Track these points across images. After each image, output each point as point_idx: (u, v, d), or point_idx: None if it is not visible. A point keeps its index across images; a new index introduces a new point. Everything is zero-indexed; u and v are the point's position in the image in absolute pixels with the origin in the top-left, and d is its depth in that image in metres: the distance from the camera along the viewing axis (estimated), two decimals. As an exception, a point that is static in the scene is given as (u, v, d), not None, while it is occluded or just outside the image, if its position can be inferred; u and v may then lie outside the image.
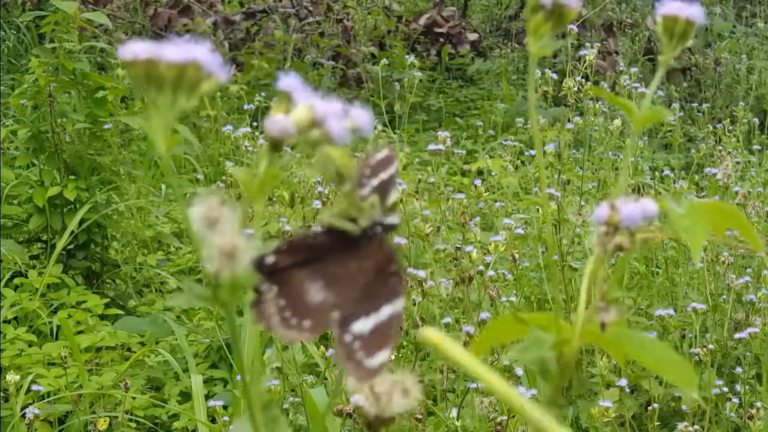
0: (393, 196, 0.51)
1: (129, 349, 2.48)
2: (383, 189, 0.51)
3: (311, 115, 0.46)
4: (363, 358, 0.47)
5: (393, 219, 0.50)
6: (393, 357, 1.74)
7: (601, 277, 0.51)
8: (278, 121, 0.46)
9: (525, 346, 0.52)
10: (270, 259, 0.48)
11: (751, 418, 1.77)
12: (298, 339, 0.47)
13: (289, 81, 0.47)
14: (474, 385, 1.75)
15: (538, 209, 2.17)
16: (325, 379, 1.76)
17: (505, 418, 1.63)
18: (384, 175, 0.51)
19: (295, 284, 0.48)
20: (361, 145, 2.56)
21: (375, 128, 3.12)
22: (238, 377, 1.80)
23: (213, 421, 1.88)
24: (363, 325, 0.47)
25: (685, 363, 0.52)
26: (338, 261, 0.49)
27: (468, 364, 0.43)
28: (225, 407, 1.81)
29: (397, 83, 4.42)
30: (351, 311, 0.48)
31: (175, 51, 0.45)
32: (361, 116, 0.47)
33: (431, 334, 0.45)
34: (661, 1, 0.57)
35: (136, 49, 0.44)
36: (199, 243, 0.44)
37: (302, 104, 0.46)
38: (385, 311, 0.48)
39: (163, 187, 3.49)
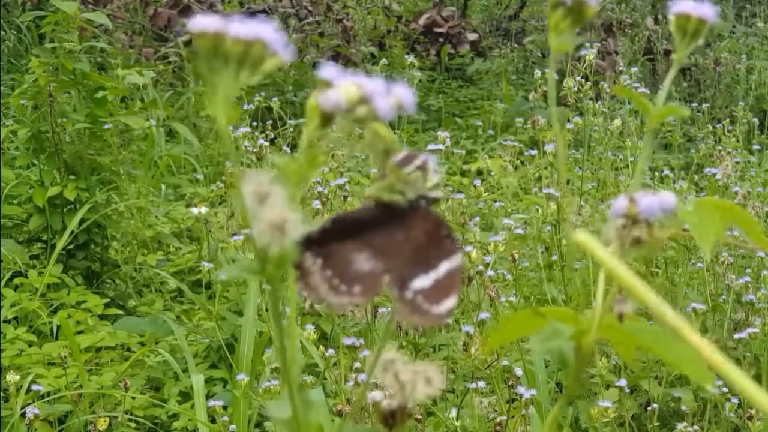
0: (434, 179, 0.52)
1: (129, 349, 2.48)
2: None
3: (360, 92, 0.47)
4: (429, 307, 0.48)
5: (436, 193, 0.51)
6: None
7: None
8: (331, 96, 0.47)
9: (544, 337, 0.53)
10: (316, 233, 0.49)
11: (750, 418, 1.77)
12: (349, 303, 0.48)
13: (329, 70, 0.48)
14: (473, 385, 1.75)
15: (537, 209, 2.17)
16: (325, 379, 1.76)
17: (505, 418, 1.63)
18: (411, 167, 0.52)
19: (341, 256, 0.49)
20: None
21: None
22: (238, 377, 1.80)
23: (213, 421, 1.88)
24: (422, 282, 0.49)
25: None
26: (384, 232, 0.51)
27: (614, 267, 0.43)
28: (225, 407, 1.81)
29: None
30: (406, 273, 0.49)
31: (243, 27, 0.45)
32: (405, 94, 0.48)
33: (581, 236, 0.46)
34: (673, 0, 0.58)
35: (205, 22, 0.45)
36: (248, 218, 0.45)
37: (350, 82, 0.47)
38: (443, 267, 0.49)
39: (163, 187, 3.49)
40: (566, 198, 2.16)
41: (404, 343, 1.77)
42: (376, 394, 0.52)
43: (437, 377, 0.51)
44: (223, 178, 3.01)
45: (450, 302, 0.48)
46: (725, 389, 1.89)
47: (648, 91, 3.29)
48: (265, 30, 0.46)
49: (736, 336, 1.97)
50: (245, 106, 3.54)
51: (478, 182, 2.25)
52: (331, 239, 0.50)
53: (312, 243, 0.49)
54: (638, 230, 0.49)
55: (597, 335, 0.52)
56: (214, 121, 0.46)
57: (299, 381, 0.50)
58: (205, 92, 0.46)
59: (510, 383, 1.66)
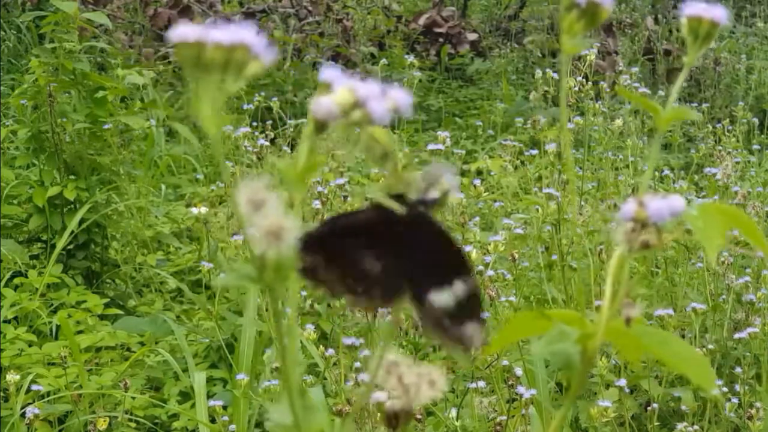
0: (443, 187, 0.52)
1: (129, 349, 2.48)
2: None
3: (353, 97, 0.47)
4: (464, 335, 0.48)
5: (435, 194, 0.51)
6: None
7: (625, 275, 0.51)
8: (324, 103, 0.46)
9: (550, 339, 0.53)
10: (316, 232, 0.49)
11: (750, 418, 1.77)
12: (369, 306, 0.49)
13: (330, 72, 0.48)
14: (473, 385, 1.75)
15: (537, 209, 2.17)
16: (325, 379, 1.76)
17: (505, 418, 1.63)
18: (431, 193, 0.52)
19: (344, 255, 0.50)
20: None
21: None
22: (238, 377, 1.80)
23: (213, 421, 1.88)
24: (440, 297, 0.49)
25: (705, 361, 0.52)
26: (384, 235, 0.51)
27: None
28: (225, 407, 1.81)
29: (396, 83, 4.42)
30: (420, 283, 0.49)
31: (223, 33, 0.45)
32: (401, 96, 0.48)
33: None
34: (685, 3, 0.57)
35: (185, 31, 0.45)
36: (244, 224, 0.45)
37: (343, 86, 0.47)
38: (459, 286, 0.49)
39: (163, 187, 3.49)
40: (569, 197, 2.16)
41: (404, 343, 1.77)
42: (379, 395, 0.52)
43: (441, 380, 0.51)
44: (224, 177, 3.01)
45: (478, 329, 0.48)
46: (725, 389, 1.89)
47: (648, 91, 3.29)
48: (246, 34, 0.45)
49: (736, 336, 1.97)
50: (245, 106, 3.54)
51: (478, 182, 2.25)
52: (332, 238, 0.50)
53: (312, 241, 0.49)
54: (646, 234, 0.49)
55: (603, 338, 0.52)
56: (205, 128, 0.46)
57: (300, 384, 0.50)
58: (192, 100, 0.46)
59: (510, 383, 1.66)
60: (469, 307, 0.49)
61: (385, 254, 0.50)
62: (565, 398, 0.55)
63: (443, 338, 0.48)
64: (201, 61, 0.45)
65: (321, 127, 0.47)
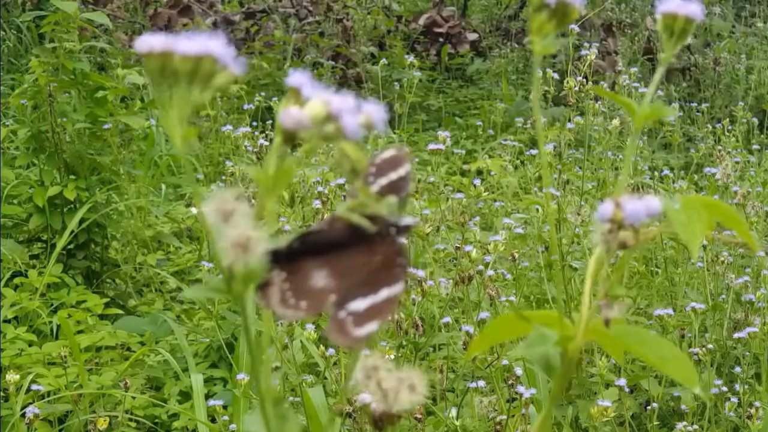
0: (404, 195, 0.52)
1: (129, 349, 2.48)
2: (395, 188, 0.51)
3: (326, 110, 0.46)
4: (352, 329, 0.48)
5: (409, 220, 0.51)
6: (393, 356, 1.74)
7: (603, 275, 0.51)
8: (294, 113, 0.46)
9: (530, 343, 0.53)
10: (285, 249, 0.49)
11: (750, 417, 1.77)
12: (293, 317, 0.49)
13: (297, 77, 0.47)
14: (473, 385, 1.75)
15: (537, 209, 2.17)
16: (325, 378, 1.76)
17: (505, 417, 1.63)
18: (393, 175, 0.52)
19: (302, 272, 0.50)
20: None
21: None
22: (238, 376, 1.80)
23: (213, 420, 1.88)
24: (359, 305, 0.49)
25: (686, 359, 0.52)
26: (348, 254, 0.51)
27: None
28: (225, 407, 1.81)
29: (396, 83, 4.42)
30: (350, 294, 0.49)
31: (190, 44, 0.44)
32: (376, 111, 0.47)
33: None
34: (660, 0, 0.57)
35: (152, 41, 0.44)
36: (212, 236, 0.45)
37: (317, 98, 0.46)
38: (383, 293, 0.49)
39: (163, 186, 3.49)
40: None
41: (404, 343, 1.77)
42: (365, 396, 0.52)
43: (421, 384, 0.50)
44: (223, 177, 3.01)
45: (371, 327, 0.48)
46: (724, 389, 1.89)
47: (648, 89, 3.28)
48: (214, 45, 0.45)
49: (736, 335, 1.97)
50: (245, 106, 3.54)
51: (478, 182, 2.25)
52: (298, 255, 0.50)
53: (280, 258, 0.49)
54: (624, 234, 0.49)
55: (583, 339, 0.52)
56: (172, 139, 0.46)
57: (277, 394, 0.50)
58: (160, 111, 0.45)
59: (510, 382, 1.66)
60: (377, 309, 0.49)
61: (337, 273, 0.50)
62: (549, 401, 0.55)
63: (335, 335, 0.48)
64: (167, 72, 0.45)
65: (290, 137, 0.47)
